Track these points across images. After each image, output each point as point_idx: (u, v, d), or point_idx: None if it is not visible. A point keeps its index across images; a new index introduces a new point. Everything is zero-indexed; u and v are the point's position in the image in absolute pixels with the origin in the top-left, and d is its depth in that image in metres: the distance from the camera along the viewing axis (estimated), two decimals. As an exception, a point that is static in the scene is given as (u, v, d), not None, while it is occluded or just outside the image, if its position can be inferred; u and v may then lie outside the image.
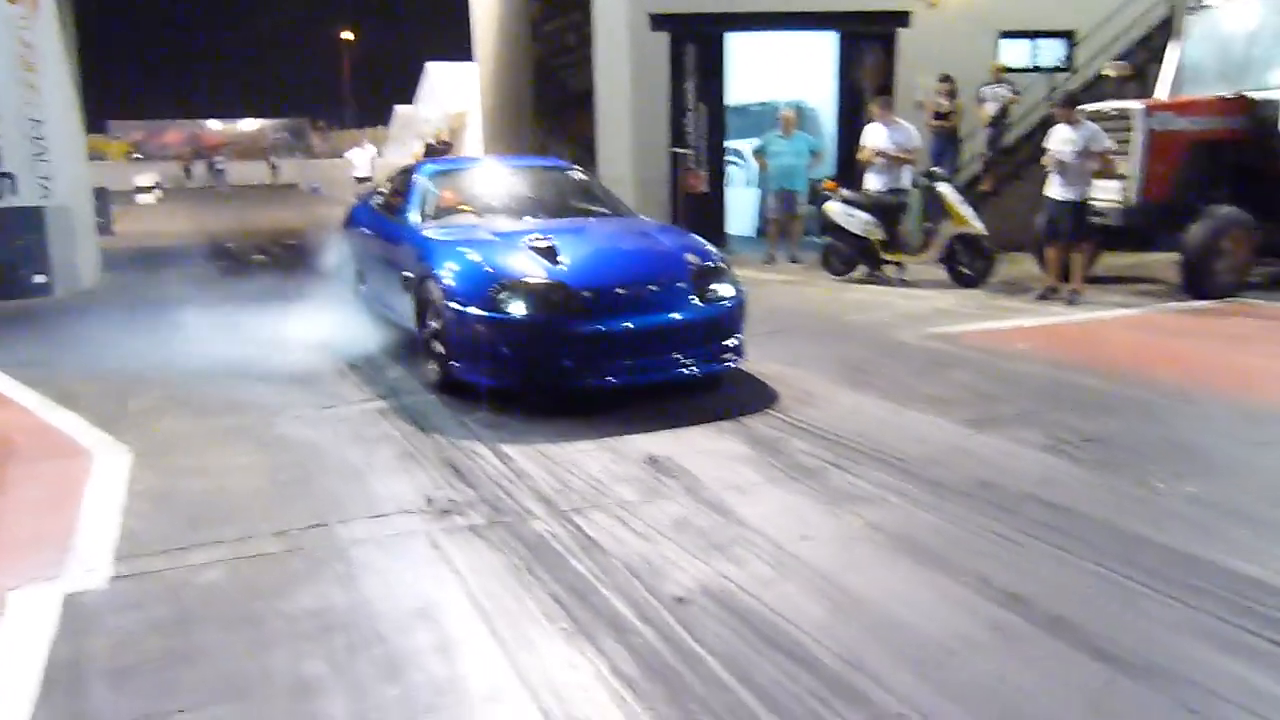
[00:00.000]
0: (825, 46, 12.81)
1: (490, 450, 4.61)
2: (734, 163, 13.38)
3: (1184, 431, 4.81)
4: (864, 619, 2.93)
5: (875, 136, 9.83)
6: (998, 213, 10.32)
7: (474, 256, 5.55)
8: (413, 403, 5.47)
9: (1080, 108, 8.37)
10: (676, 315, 5.37)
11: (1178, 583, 3.12)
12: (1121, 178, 8.48)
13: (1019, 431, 4.76)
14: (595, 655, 2.73)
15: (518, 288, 5.22)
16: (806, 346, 6.89)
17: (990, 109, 11.68)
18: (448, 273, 5.48)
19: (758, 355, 6.00)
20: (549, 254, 5.47)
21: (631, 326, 5.22)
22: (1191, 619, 2.90)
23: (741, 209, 13.48)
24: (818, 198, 10.30)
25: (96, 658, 2.76)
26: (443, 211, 6.57)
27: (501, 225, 6.21)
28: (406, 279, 6.04)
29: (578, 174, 7.70)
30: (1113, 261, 9.87)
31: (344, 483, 4.23)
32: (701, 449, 4.60)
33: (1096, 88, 11.03)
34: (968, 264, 9.42)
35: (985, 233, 9.28)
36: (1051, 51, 12.82)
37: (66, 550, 3.49)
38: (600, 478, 4.21)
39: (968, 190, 11.09)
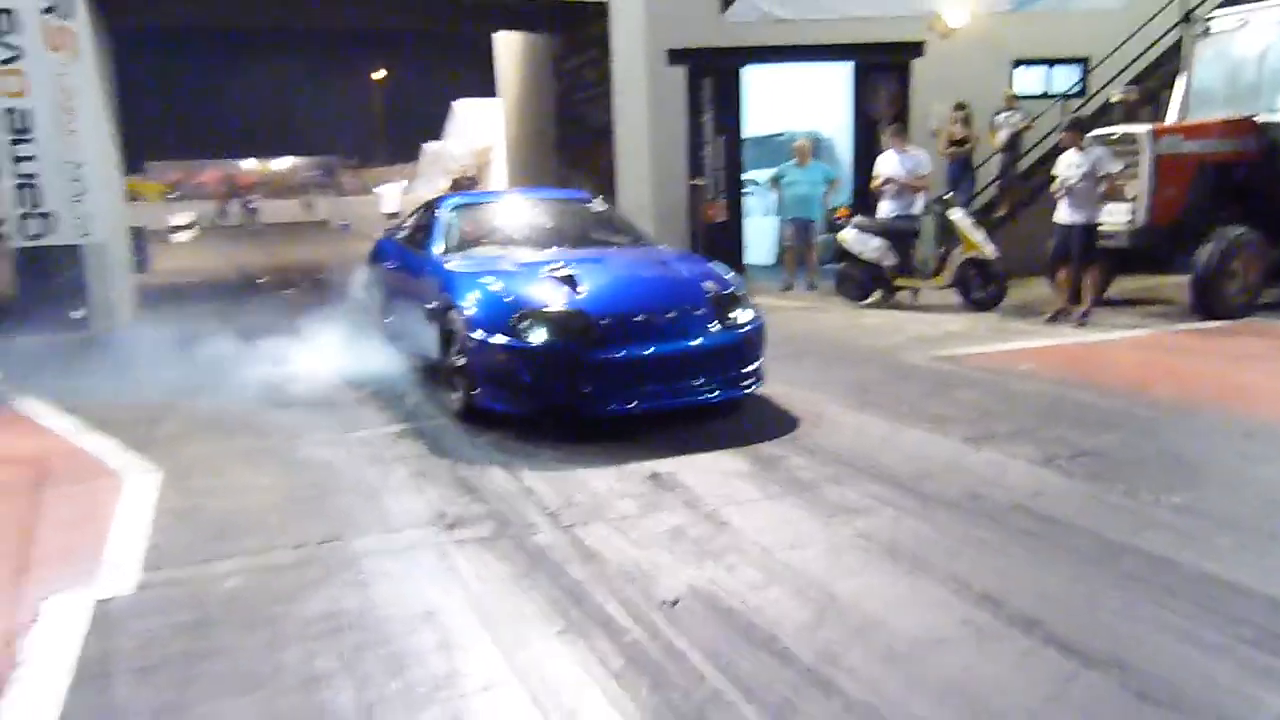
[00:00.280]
0: (840, 77, 13.04)
1: (502, 469, 4.80)
2: (751, 193, 13.58)
3: (1179, 446, 4.90)
4: (845, 620, 3.07)
5: (888, 164, 10.02)
6: (1012, 237, 10.40)
7: (495, 286, 5.67)
8: (430, 427, 5.67)
9: (1089, 134, 8.51)
10: (695, 341, 5.43)
11: (1153, 584, 3.23)
12: (1130, 200, 8.58)
13: (1015, 447, 4.88)
14: (586, 651, 2.90)
15: (538, 316, 5.31)
16: (817, 370, 7.04)
17: (1003, 136, 11.83)
18: (470, 302, 5.60)
19: (770, 378, 6.12)
20: (569, 283, 5.57)
21: (650, 353, 5.29)
22: (1159, 617, 3.01)
23: (760, 238, 13.67)
24: (833, 226, 10.49)
25: (123, 655, 2.98)
26: (465, 243, 6.70)
27: (522, 256, 6.29)
28: (430, 310, 6.14)
29: (598, 205, 7.83)
30: (1125, 284, 9.95)
31: (360, 500, 4.44)
32: (704, 467, 4.75)
33: (1108, 113, 11.14)
34: (980, 288, 9.53)
35: (997, 257, 9.41)
36: (1065, 78, 12.96)
37: (97, 562, 3.72)
38: (603, 494, 4.39)
39: (984, 215, 11.23)
